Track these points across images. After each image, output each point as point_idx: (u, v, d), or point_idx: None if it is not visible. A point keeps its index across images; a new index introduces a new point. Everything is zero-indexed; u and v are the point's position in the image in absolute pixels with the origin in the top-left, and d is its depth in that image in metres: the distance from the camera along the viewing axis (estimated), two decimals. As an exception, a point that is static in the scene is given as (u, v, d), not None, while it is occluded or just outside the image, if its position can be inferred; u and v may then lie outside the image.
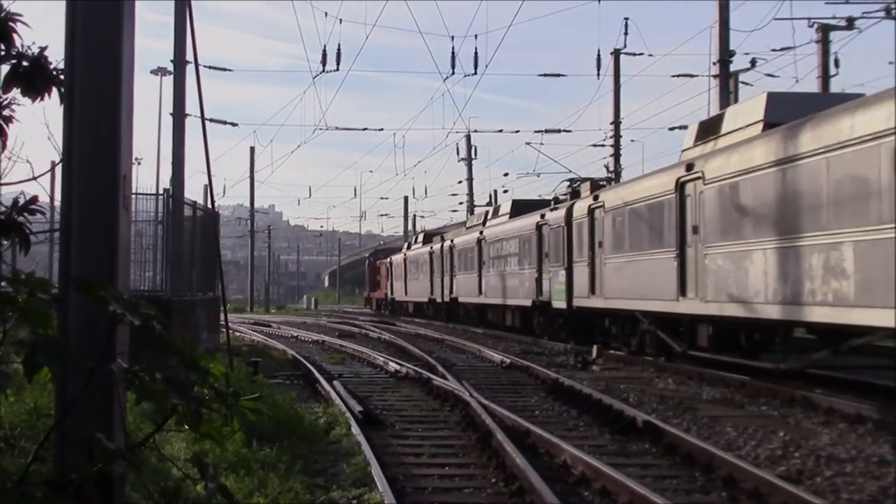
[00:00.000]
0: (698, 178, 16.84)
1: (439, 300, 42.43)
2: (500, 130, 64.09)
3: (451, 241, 40.63)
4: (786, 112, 15.35)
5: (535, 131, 60.10)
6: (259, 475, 8.56)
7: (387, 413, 13.73)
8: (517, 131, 78.49)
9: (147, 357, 3.14)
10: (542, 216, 27.06)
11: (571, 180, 29.76)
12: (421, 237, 53.13)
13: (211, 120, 39.62)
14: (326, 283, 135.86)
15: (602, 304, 21.80)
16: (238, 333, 31.69)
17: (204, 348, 19.28)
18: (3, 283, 3.22)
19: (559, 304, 25.25)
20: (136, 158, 54.49)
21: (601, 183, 26.31)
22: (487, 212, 37.51)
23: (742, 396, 15.31)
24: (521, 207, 32.01)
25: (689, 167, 17.08)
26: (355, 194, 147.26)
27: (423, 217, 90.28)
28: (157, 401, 3.14)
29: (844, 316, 12.79)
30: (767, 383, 15.68)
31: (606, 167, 38.54)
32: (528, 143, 40.01)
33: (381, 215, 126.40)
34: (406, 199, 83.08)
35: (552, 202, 28.56)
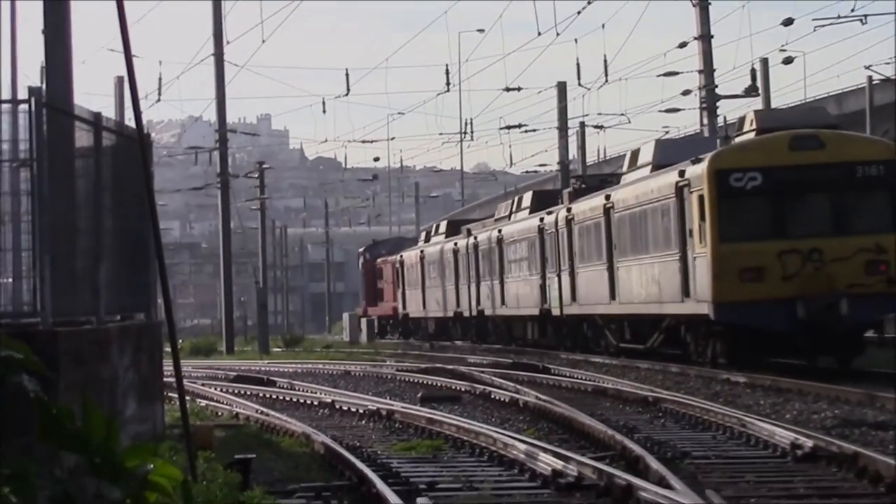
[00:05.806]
0: (611, 206, 25.46)
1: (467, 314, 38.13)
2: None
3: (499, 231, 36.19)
4: (671, 155, 22.57)
5: None
6: None
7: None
8: None
9: (15, 450, 1.94)
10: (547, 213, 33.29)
11: (577, 176, 34.92)
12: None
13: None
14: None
15: (577, 310, 29.64)
16: (204, 402, 18.46)
17: (133, 433, 10.95)
18: None
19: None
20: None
21: (578, 186, 32.21)
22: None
23: None
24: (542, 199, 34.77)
25: (608, 197, 25.44)
26: (448, 83, 43.95)
27: (598, 128, 45.00)
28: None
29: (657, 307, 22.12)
30: None
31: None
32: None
33: (506, 128, 47.82)
34: (562, 87, 43.59)
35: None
